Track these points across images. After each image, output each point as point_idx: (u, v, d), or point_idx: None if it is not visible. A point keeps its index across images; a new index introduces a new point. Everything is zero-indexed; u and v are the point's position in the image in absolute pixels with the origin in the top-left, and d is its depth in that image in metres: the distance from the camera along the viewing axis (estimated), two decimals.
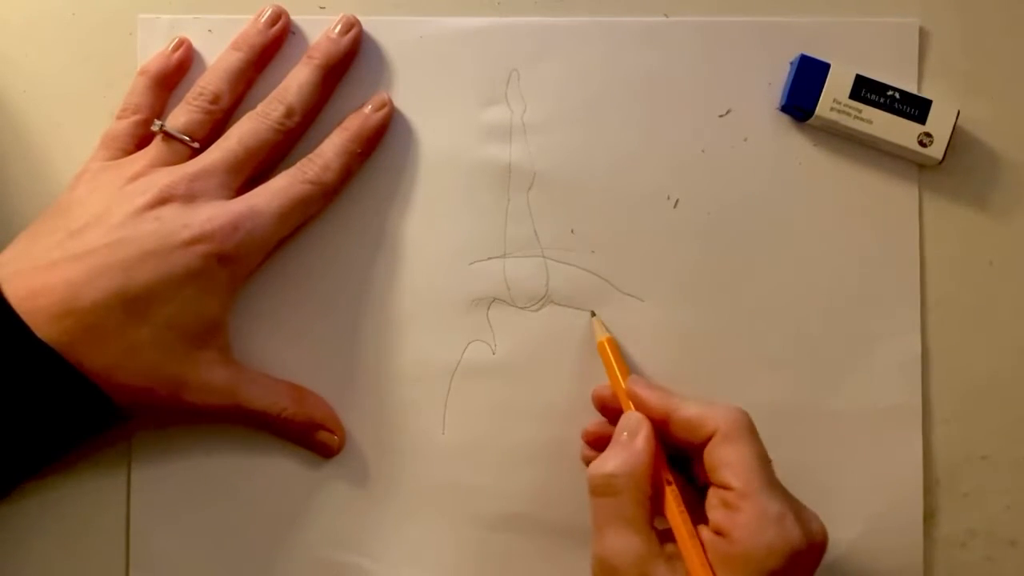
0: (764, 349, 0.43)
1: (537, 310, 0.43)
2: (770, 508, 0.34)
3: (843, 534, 0.42)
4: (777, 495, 0.35)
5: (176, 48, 0.42)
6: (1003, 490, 0.43)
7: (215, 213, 0.38)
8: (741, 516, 0.34)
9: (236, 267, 0.39)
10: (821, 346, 0.43)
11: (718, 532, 0.35)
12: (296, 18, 0.43)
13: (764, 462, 0.36)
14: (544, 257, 0.43)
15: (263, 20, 0.42)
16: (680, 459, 0.39)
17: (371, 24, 0.43)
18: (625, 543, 0.35)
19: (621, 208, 0.43)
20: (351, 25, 0.42)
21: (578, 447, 0.42)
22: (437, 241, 0.43)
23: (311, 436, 0.41)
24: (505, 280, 0.42)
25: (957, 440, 0.43)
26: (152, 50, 0.42)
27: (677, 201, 0.43)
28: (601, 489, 0.36)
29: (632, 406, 0.39)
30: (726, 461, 0.35)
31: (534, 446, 0.42)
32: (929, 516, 0.43)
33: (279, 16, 0.42)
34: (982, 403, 0.43)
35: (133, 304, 0.37)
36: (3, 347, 0.35)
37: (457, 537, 0.42)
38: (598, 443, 0.40)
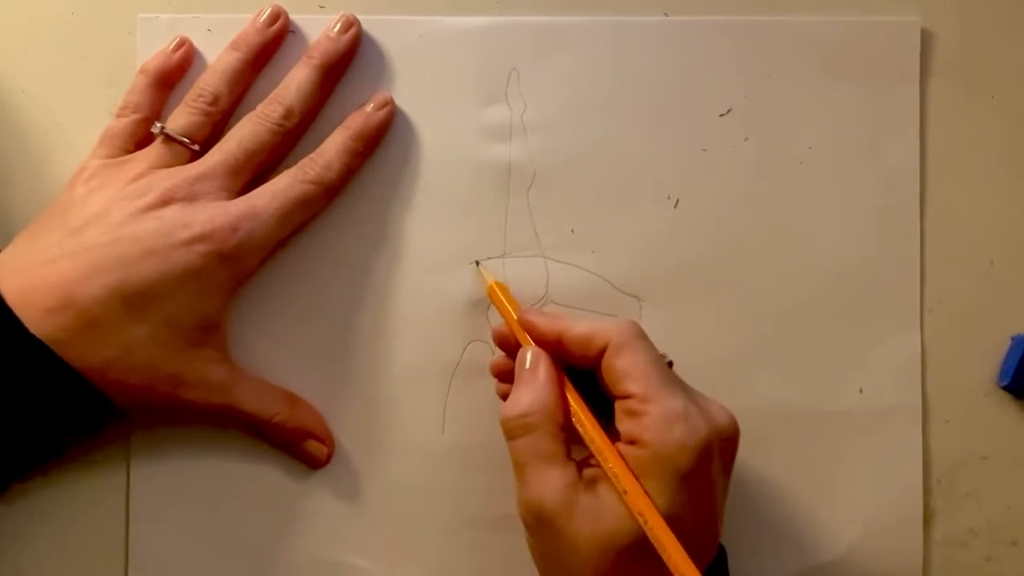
0: (764, 349, 0.43)
1: None
2: (672, 407, 0.34)
3: (843, 535, 0.42)
4: (678, 393, 0.35)
5: (177, 47, 0.42)
6: (1003, 490, 0.43)
7: (215, 214, 0.38)
8: (646, 419, 0.34)
9: (236, 267, 0.39)
10: (821, 346, 0.43)
11: (630, 441, 0.35)
12: (295, 17, 0.42)
13: (659, 364, 0.35)
14: (544, 257, 0.43)
15: (262, 20, 0.42)
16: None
17: (371, 23, 0.43)
18: (548, 479, 0.35)
19: (621, 208, 0.43)
20: (350, 24, 0.42)
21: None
22: (437, 241, 0.42)
23: (300, 445, 0.41)
24: (505, 280, 0.42)
25: (957, 440, 0.43)
26: (151, 49, 0.42)
27: (677, 201, 0.43)
28: (518, 430, 0.36)
29: (528, 340, 0.38)
30: (622, 370, 0.35)
31: None
32: (929, 516, 0.43)
33: (278, 15, 0.42)
34: (982, 403, 0.43)
35: (132, 301, 0.37)
36: None
37: (457, 537, 0.42)
38: (506, 376, 0.40)
